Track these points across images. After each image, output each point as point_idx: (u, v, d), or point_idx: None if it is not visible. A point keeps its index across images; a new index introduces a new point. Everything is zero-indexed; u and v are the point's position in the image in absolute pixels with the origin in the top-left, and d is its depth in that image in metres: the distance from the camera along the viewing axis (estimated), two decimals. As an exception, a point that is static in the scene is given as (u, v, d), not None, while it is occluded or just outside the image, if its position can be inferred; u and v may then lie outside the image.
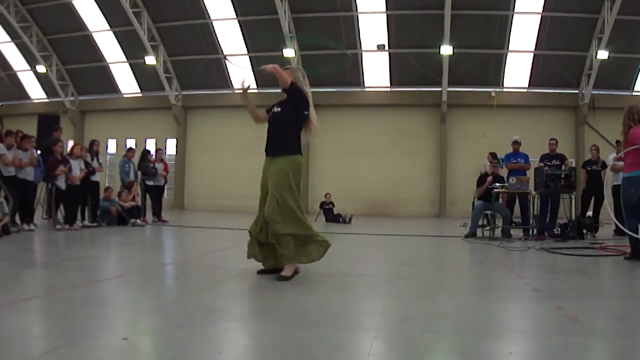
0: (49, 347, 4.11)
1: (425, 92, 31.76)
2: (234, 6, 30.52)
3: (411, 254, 11.93)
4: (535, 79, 30.59)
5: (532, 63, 30.26)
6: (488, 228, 15.51)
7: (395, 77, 31.99)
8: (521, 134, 18.27)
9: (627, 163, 10.13)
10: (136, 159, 19.46)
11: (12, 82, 38.76)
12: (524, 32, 29.11)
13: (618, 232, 15.02)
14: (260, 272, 7.56)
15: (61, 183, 15.18)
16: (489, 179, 15.63)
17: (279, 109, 7.56)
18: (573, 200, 16.03)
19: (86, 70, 36.03)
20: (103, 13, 32.45)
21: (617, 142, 16.05)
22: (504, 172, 16.53)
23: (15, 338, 4.38)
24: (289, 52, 29.68)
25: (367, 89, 33.00)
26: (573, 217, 15.49)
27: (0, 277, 7.38)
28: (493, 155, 18.70)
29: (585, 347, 4.47)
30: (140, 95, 36.46)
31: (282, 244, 7.24)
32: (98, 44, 34.55)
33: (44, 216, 18.06)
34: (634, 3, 25.74)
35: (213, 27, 31.93)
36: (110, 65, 35.63)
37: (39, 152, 15.83)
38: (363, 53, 31.53)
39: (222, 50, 32.87)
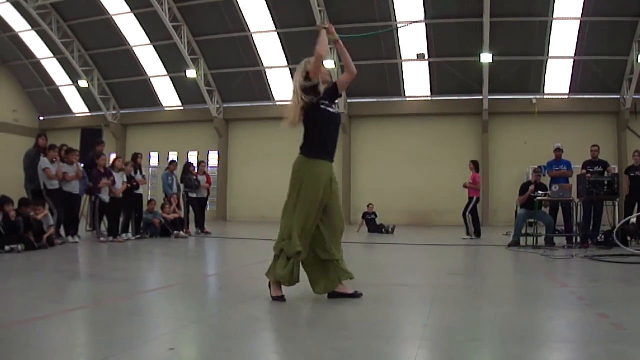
0: (98, 357, 4.18)
1: (466, 100, 31.57)
2: (273, 19, 30.64)
3: (454, 263, 11.90)
4: (576, 85, 30.25)
5: (573, 69, 29.90)
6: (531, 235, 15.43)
7: (436, 86, 31.84)
8: (563, 140, 18.13)
9: None
10: (179, 171, 19.58)
11: (54, 97, 39.40)
12: (564, 37, 28.85)
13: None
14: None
15: (105, 196, 15.36)
16: (532, 187, 15.53)
17: (337, 110, 7.02)
18: (617, 207, 15.83)
19: (128, 85, 36.48)
20: (143, 28, 32.83)
21: None
22: (546, 179, 16.39)
23: (63, 347, 4.46)
24: (329, 64, 29.61)
25: (407, 99, 32.81)
26: (617, 224, 15.30)
27: (47, 288, 7.51)
28: (475, 164, 18.82)
29: (631, 356, 4.43)
30: (181, 108, 36.67)
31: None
32: (139, 58, 34.95)
33: (87, 228, 18.26)
34: (675, 5, 25.46)
35: (253, 39, 32.05)
36: (151, 79, 35.96)
37: (82, 165, 16.02)
38: (403, 63, 31.43)
39: (262, 63, 32.99)
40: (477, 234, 18.95)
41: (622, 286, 8.47)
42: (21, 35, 36.09)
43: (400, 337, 5.12)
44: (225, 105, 35.05)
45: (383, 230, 21.83)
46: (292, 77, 7.10)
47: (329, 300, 6.60)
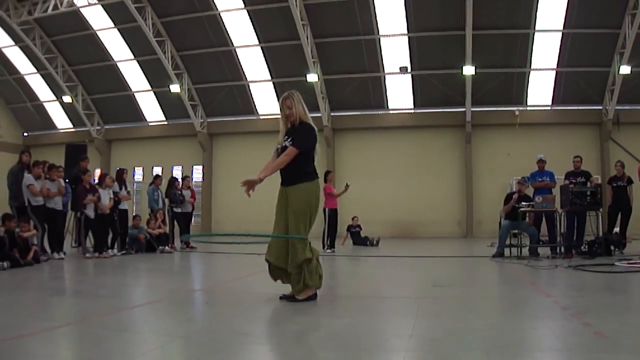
0: (85, 373, 4.19)
1: (449, 112, 31.63)
2: (256, 33, 30.65)
3: (439, 275, 11.91)
4: (558, 96, 30.41)
5: (555, 80, 30.08)
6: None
7: (419, 98, 31.92)
8: (546, 151, 18.17)
9: None
10: (164, 186, 19.54)
11: (38, 113, 39.20)
12: (546, 49, 29.00)
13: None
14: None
15: (90, 212, 15.30)
16: (515, 195, 15.58)
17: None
18: (600, 217, 15.92)
19: (111, 100, 36.38)
20: (127, 43, 32.81)
21: None
22: (529, 190, 16.45)
23: (51, 365, 4.47)
24: (312, 77, 29.75)
25: (390, 112, 32.89)
26: (600, 234, 15.39)
27: (33, 305, 7.48)
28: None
29: (613, 363, 4.49)
30: (165, 123, 36.61)
31: None
32: (123, 73, 34.88)
33: (73, 245, 18.20)
34: (655, 17, 25.61)
35: (236, 54, 32.05)
36: (135, 94, 35.89)
37: (67, 181, 15.99)
38: (386, 76, 31.53)
39: (246, 77, 33.00)
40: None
41: (605, 295, 8.52)
42: (4, 50, 35.97)
43: (386, 348, 5.15)
44: (209, 120, 35.01)
45: (368, 242, 21.85)
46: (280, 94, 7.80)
47: (315, 313, 6.64)
